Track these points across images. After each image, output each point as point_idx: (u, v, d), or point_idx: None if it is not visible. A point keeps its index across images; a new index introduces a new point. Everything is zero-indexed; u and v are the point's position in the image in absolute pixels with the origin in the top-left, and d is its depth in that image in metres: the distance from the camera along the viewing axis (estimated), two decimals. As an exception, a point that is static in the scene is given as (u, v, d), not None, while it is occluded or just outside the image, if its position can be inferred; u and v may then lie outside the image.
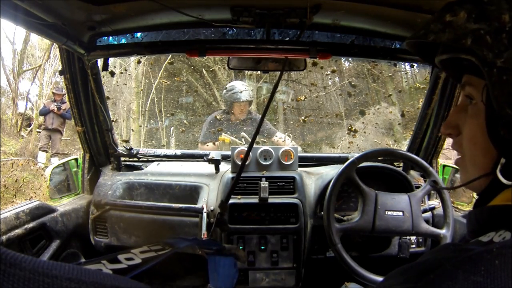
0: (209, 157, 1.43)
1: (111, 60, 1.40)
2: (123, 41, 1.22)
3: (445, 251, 0.37)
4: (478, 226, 0.39)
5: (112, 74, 1.55)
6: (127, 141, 3.94)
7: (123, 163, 1.54)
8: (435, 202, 1.37)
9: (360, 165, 1.20)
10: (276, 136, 2.27)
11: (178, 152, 1.59)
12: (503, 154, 0.39)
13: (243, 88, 2.22)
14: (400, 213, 1.13)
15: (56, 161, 5.08)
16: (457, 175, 1.44)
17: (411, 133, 1.53)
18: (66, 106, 5.68)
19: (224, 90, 2.30)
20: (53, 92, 6.09)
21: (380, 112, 5.42)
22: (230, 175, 1.35)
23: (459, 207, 1.42)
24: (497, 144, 0.39)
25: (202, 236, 1.20)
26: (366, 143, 5.11)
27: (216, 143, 2.20)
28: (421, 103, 1.46)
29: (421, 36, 0.43)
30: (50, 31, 0.99)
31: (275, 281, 1.27)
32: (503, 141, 0.38)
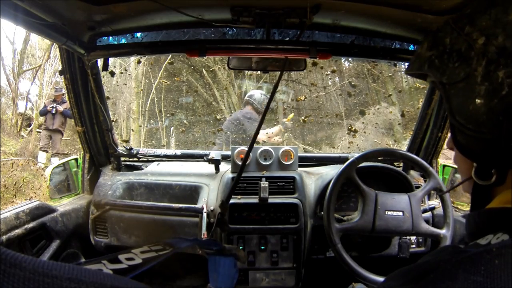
0: (209, 157, 1.43)
1: (111, 60, 1.40)
2: (123, 41, 1.22)
3: (444, 253, 0.38)
4: (477, 229, 0.40)
5: (112, 74, 1.55)
6: (127, 141, 3.95)
7: (123, 163, 1.54)
8: (435, 202, 1.37)
9: (360, 165, 1.20)
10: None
11: (178, 152, 1.59)
12: (470, 159, 0.43)
13: (263, 99, 2.45)
14: (400, 213, 1.13)
15: (56, 161, 5.07)
16: (457, 175, 1.44)
17: (411, 133, 1.52)
18: (66, 105, 5.68)
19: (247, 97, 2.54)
20: (55, 89, 6.09)
21: (380, 112, 5.41)
22: (230, 175, 1.35)
23: (459, 207, 1.42)
24: (460, 150, 0.43)
25: (202, 236, 1.20)
26: (366, 143, 5.10)
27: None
28: (421, 103, 1.46)
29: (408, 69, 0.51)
30: (50, 31, 0.98)
31: (275, 281, 1.27)
32: (463, 147, 0.42)
